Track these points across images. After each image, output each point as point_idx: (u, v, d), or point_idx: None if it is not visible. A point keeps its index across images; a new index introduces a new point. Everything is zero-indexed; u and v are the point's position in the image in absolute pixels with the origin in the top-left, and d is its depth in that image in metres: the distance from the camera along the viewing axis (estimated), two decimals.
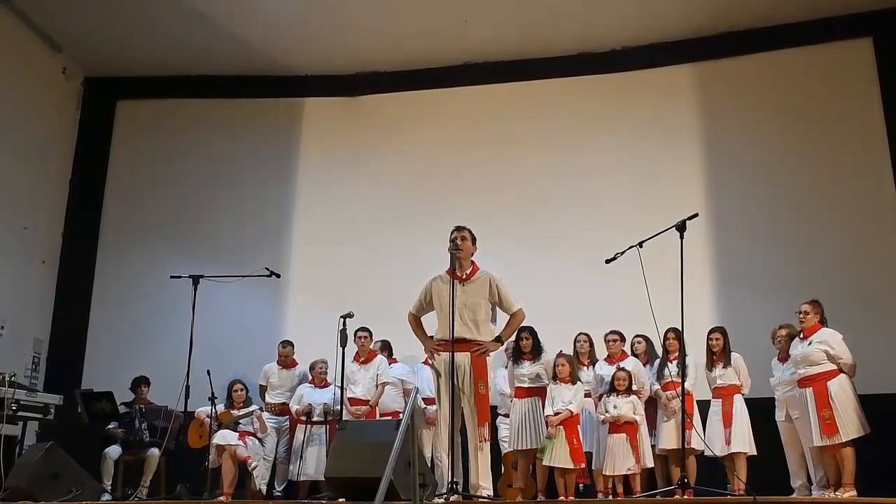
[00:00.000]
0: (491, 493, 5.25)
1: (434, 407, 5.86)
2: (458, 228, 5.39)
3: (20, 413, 6.49)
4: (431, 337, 5.44)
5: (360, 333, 6.96)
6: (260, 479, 6.84)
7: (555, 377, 6.08)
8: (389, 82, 8.86)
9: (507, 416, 6.61)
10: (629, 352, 6.70)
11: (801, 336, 5.94)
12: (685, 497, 5.12)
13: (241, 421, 6.89)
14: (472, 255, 5.42)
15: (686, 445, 5.62)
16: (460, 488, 5.19)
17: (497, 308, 5.39)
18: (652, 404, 6.43)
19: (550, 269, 7.90)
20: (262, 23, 8.10)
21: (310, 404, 6.99)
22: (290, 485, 7.12)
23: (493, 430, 6.60)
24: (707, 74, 8.24)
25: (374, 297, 7.68)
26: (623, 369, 6.28)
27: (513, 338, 5.97)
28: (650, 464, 6.26)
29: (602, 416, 6.19)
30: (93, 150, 8.96)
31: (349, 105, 8.99)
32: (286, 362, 7.45)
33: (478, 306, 5.26)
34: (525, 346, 6.19)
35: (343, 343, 6.26)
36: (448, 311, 5.13)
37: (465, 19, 8.02)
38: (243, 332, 8.18)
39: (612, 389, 6.19)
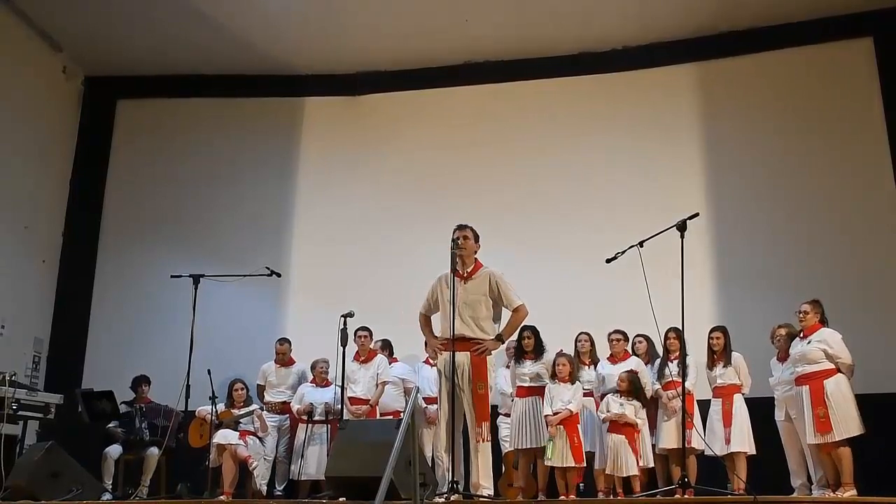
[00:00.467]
0: (491, 492, 5.25)
1: (435, 406, 5.86)
2: (461, 227, 5.40)
3: (20, 412, 6.47)
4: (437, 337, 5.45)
5: (360, 333, 6.96)
6: (260, 479, 6.85)
7: (553, 376, 6.08)
8: (390, 82, 8.86)
9: (507, 415, 6.62)
10: (631, 351, 6.71)
11: (801, 336, 5.95)
12: (685, 497, 5.12)
13: (241, 420, 6.90)
14: (476, 253, 5.42)
15: (686, 445, 5.61)
16: (461, 488, 5.20)
17: (501, 306, 5.38)
18: (652, 404, 6.43)
19: (550, 269, 7.89)
20: (262, 22, 8.10)
21: (311, 404, 7.00)
22: (290, 484, 7.12)
23: (494, 430, 6.59)
24: (707, 74, 8.24)
25: (374, 297, 7.70)
26: (631, 371, 6.28)
27: (515, 336, 5.95)
28: (651, 464, 6.26)
29: (603, 415, 6.19)
30: (93, 150, 8.94)
31: (349, 105, 8.99)
32: (283, 360, 7.45)
33: (477, 303, 5.26)
34: (527, 345, 6.20)
35: (343, 342, 6.26)
36: (448, 308, 5.13)
37: (465, 19, 8.02)
38: (243, 332, 8.18)
39: (617, 391, 6.20)
